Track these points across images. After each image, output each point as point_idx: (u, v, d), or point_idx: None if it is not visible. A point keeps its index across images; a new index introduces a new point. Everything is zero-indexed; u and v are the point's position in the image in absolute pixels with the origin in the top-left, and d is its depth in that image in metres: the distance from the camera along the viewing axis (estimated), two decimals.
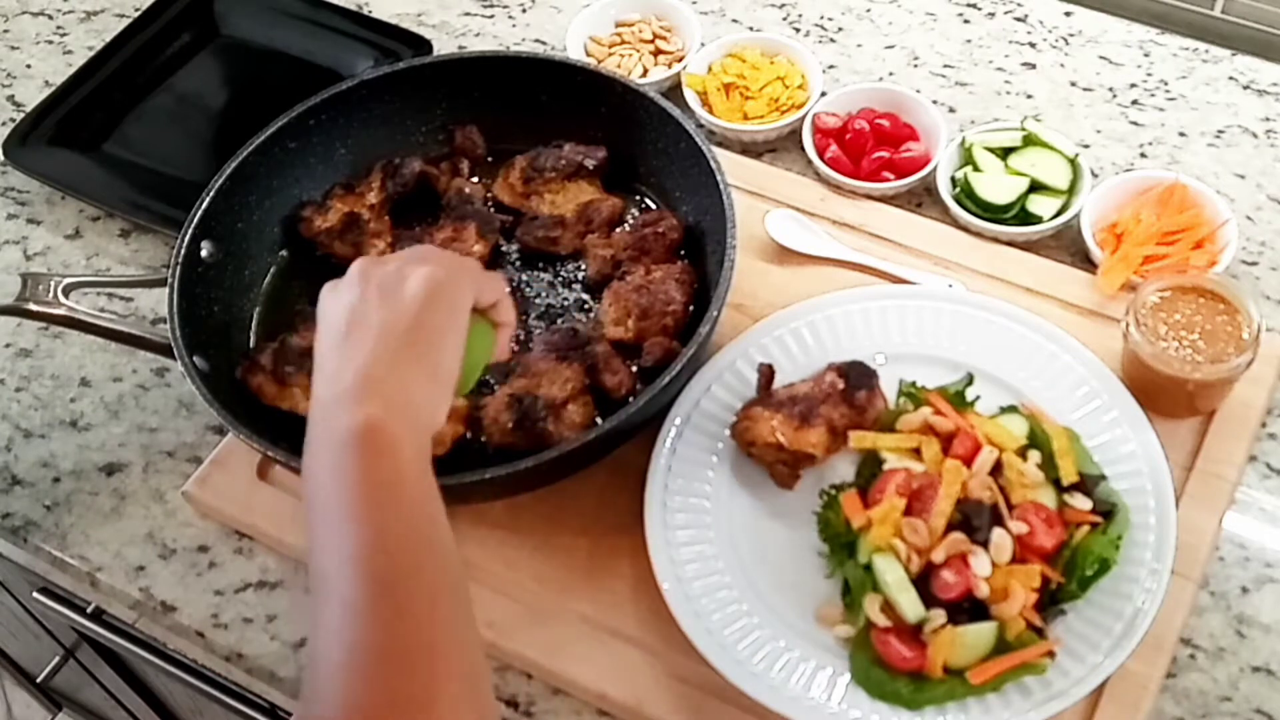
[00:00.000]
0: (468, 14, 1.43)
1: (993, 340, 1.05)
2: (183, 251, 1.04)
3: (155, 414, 1.15)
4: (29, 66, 1.44)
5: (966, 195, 1.17)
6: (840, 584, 0.95)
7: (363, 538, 0.69)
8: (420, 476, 0.73)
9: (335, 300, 0.80)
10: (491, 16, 1.43)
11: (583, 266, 1.11)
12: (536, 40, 1.40)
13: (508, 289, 0.86)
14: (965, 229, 1.17)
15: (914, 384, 1.02)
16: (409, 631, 0.66)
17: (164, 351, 1.02)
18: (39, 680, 1.75)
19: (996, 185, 1.16)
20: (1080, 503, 0.94)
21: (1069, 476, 0.94)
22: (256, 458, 1.06)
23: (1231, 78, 1.29)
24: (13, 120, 1.36)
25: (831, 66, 1.33)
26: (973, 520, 0.92)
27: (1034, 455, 0.96)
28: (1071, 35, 1.34)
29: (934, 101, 1.26)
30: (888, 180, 1.19)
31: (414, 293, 0.77)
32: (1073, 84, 1.30)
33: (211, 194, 1.07)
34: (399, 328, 0.76)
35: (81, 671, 1.65)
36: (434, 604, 0.68)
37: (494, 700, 0.69)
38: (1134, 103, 1.28)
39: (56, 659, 1.66)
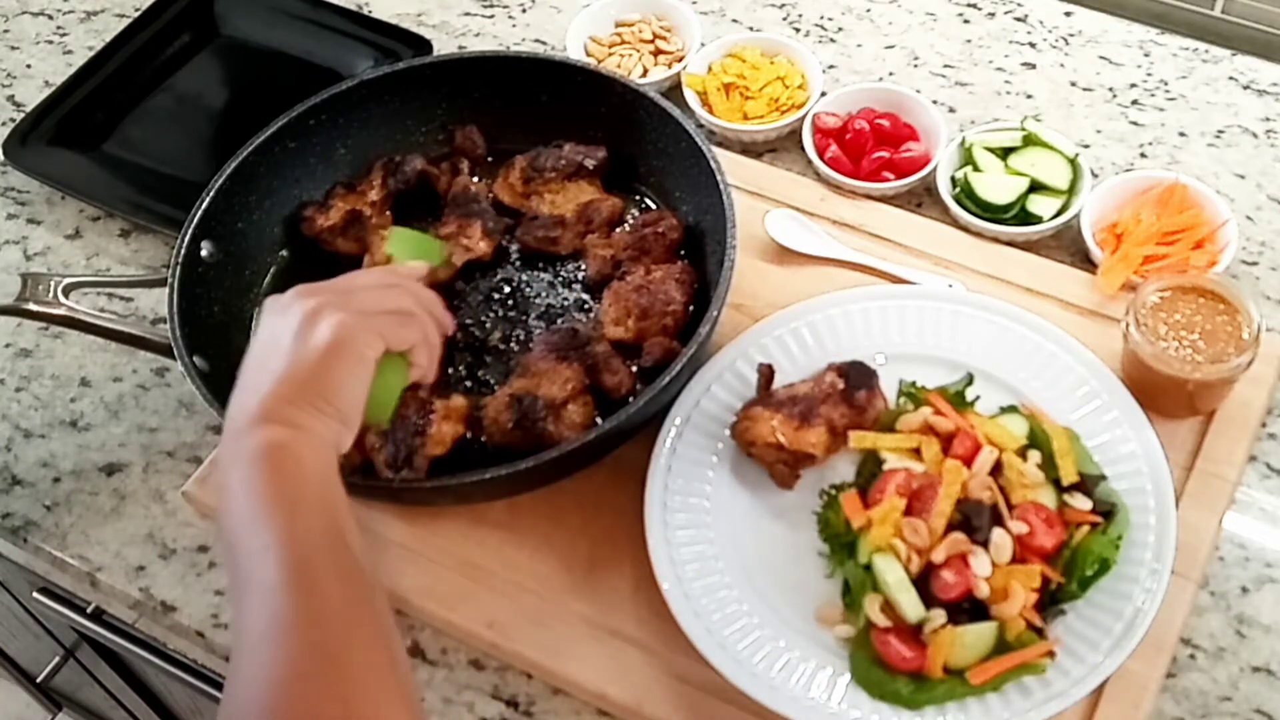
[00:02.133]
0: (468, 14, 1.43)
1: (993, 340, 1.05)
2: (183, 251, 1.04)
3: (155, 414, 1.15)
4: (29, 66, 1.44)
5: (966, 195, 1.17)
6: (840, 584, 0.95)
7: (275, 532, 0.74)
8: (325, 484, 0.78)
9: (268, 318, 0.86)
10: (491, 16, 1.43)
11: (583, 266, 1.11)
12: (536, 40, 1.40)
13: (432, 337, 0.91)
14: (965, 229, 1.17)
15: (914, 384, 1.02)
16: (322, 604, 0.72)
17: (164, 351, 1.02)
18: (39, 680, 1.75)
19: (996, 185, 1.16)
20: (1080, 503, 0.94)
21: (1069, 476, 0.94)
22: None
23: (1231, 78, 1.29)
24: (13, 120, 1.36)
25: (831, 66, 1.33)
26: (973, 520, 0.92)
27: (1034, 455, 0.96)
28: (1071, 35, 1.34)
29: (934, 101, 1.26)
30: (888, 180, 1.19)
31: (321, 341, 0.82)
32: (1073, 84, 1.30)
33: (211, 194, 1.07)
34: (302, 372, 0.81)
35: (81, 671, 1.65)
36: (343, 584, 0.73)
37: (407, 673, 0.74)
38: (1134, 103, 1.28)
39: (56, 659, 1.66)
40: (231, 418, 0.81)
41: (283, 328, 0.83)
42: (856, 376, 0.99)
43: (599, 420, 1.01)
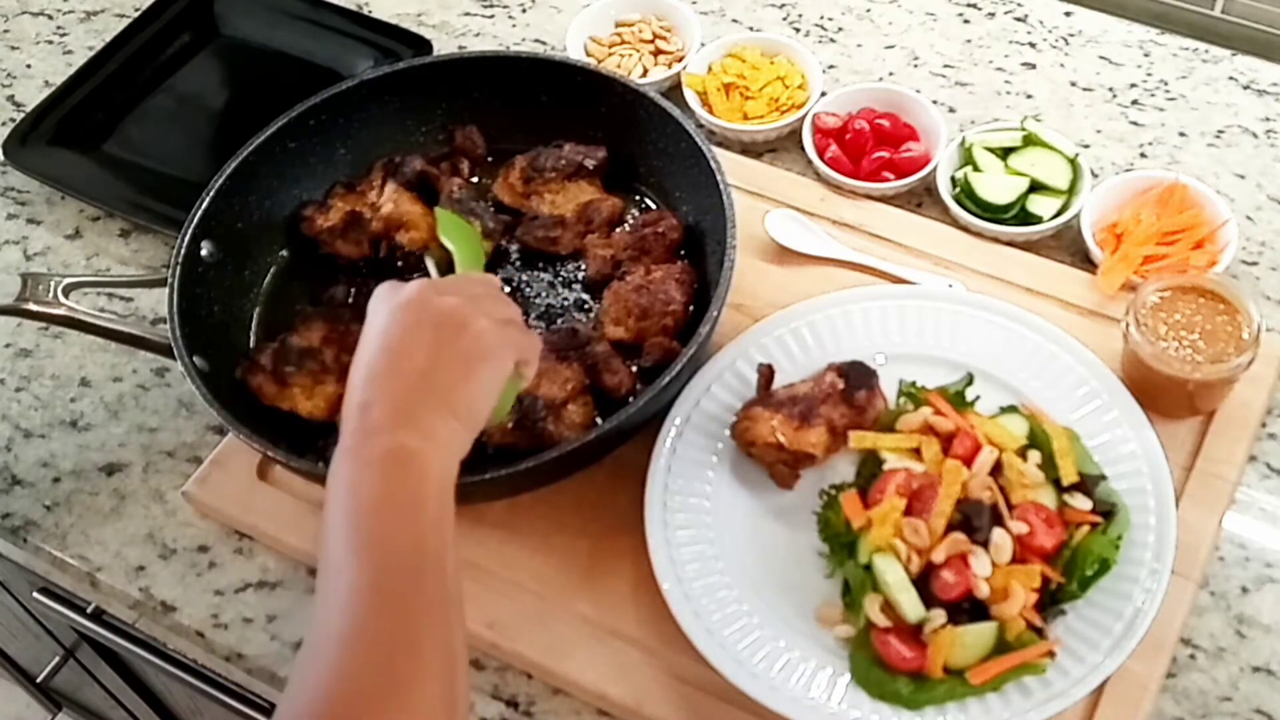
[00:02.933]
0: (468, 14, 1.43)
1: (993, 340, 1.05)
2: (183, 251, 1.04)
3: (155, 414, 1.15)
4: (29, 66, 1.44)
5: (966, 195, 1.17)
6: (840, 584, 0.95)
7: (379, 537, 0.72)
8: (441, 501, 0.76)
9: (389, 315, 0.82)
10: (491, 16, 1.43)
11: (583, 266, 1.11)
12: (536, 40, 1.40)
13: (538, 346, 0.89)
14: (965, 229, 1.17)
15: (914, 384, 1.02)
16: (404, 624, 0.70)
17: (164, 351, 1.01)
18: (39, 680, 1.75)
19: (996, 185, 1.16)
20: (1080, 503, 0.94)
21: (1069, 476, 0.94)
22: (256, 458, 1.06)
23: (1231, 78, 1.29)
24: (13, 120, 1.36)
25: (831, 66, 1.33)
26: (973, 520, 0.92)
27: (1034, 455, 0.96)
28: (1071, 35, 1.34)
29: (934, 101, 1.26)
30: (888, 180, 1.19)
31: (467, 356, 0.80)
32: (1073, 84, 1.30)
33: (211, 194, 1.07)
34: (443, 383, 0.79)
35: (81, 671, 1.65)
36: (430, 609, 0.71)
37: (466, 695, 0.72)
38: (1134, 103, 1.28)
39: (56, 659, 1.66)
40: (361, 407, 0.77)
41: (419, 323, 0.81)
42: (856, 376, 0.99)
43: (599, 420, 1.01)
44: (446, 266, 1.00)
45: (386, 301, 0.83)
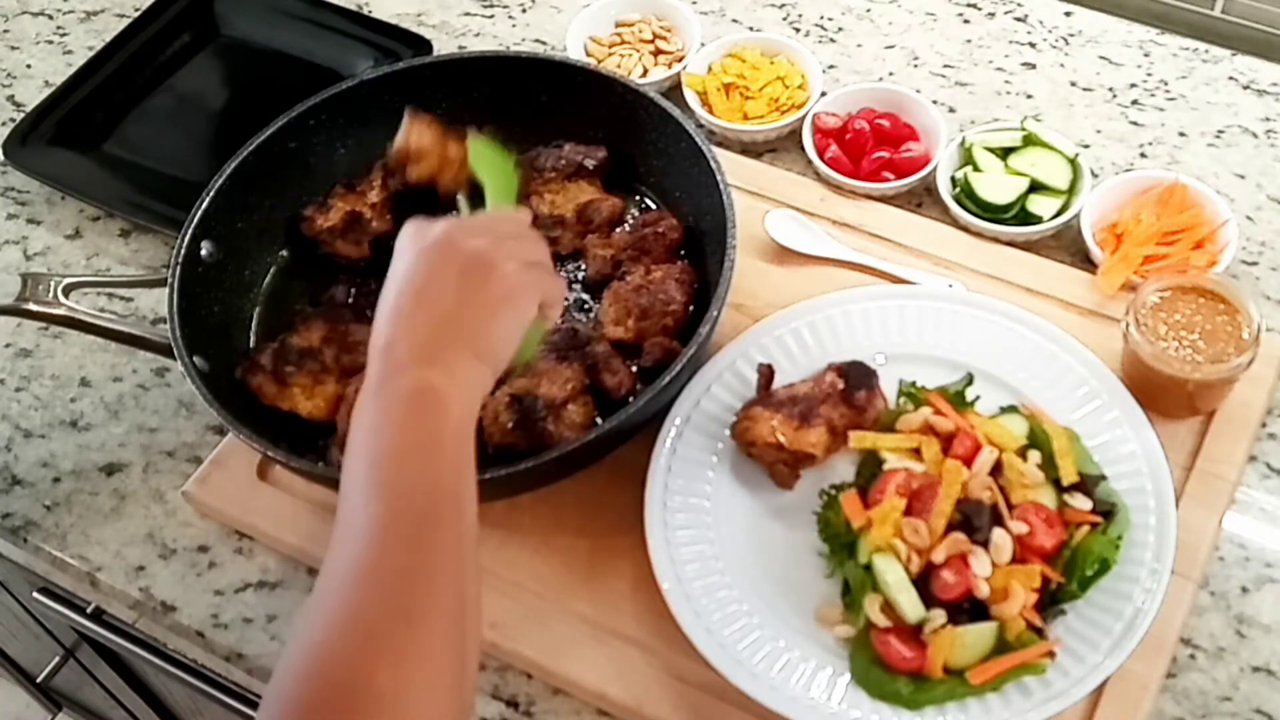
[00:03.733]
0: (468, 14, 1.43)
1: (993, 340, 1.05)
2: (183, 251, 1.04)
3: (155, 414, 1.15)
4: (29, 66, 1.44)
5: (966, 195, 1.17)
6: (840, 584, 0.95)
7: (399, 477, 0.73)
8: (461, 442, 0.77)
9: (416, 255, 0.82)
10: (491, 16, 1.43)
11: (582, 266, 1.11)
12: (536, 40, 1.40)
13: (562, 289, 0.89)
14: (965, 229, 1.17)
15: (914, 384, 1.02)
16: (419, 558, 0.71)
17: (164, 351, 1.01)
18: (39, 680, 1.75)
19: (996, 185, 1.16)
20: (1080, 503, 0.94)
21: (1069, 476, 0.94)
22: (256, 458, 1.06)
23: (1231, 78, 1.29)
24: (13, 120, 1.36)
25: (831, 66, 1.33)
26: (973, 520, 0.92)
27: (1034, 455, 0.96)
28: (1071, 35, 1.34)
29: (934, 101, 1.26)
30: (888, 180, 1.19)
31: (494, 291, 0.81)
32: (1073, 84, 1.30)
33: (211, 194, 1.07)
34: (468, 324, 0.80)
35: (81, 671, 1.65)
36: (442, 550, 0.72)
37: (477, 645, 0.73)
38: (1134, 103, 1.28)
39: (56, 659, 1.66)
40: (385, 347, 0.78)
41: (445, 265, 0.81)
42: (856, 376, 0.99)
43: (599, 420, 1.01)
44: (478, 201, 0.98)
45: (414, 241, 0.83)
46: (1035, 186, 1.17)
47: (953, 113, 1.28)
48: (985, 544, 0.91)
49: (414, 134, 1.07)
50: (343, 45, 1.38)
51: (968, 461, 0.95)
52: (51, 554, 1.08)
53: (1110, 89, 1.29)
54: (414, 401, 0.76)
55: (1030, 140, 1.19)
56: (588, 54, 1.34)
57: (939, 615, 0.89)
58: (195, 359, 0.99)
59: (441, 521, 0.73)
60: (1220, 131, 1.25)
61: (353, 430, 0.76)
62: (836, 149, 1.21)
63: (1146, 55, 1.32)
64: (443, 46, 1.39)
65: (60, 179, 1.30)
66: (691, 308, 1.05)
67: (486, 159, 0.99)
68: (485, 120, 1.17)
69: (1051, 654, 0.89)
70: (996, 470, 0.95)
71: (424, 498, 0.73)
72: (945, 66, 1.33)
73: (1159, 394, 1.00)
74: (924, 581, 0.91)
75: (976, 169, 1.18)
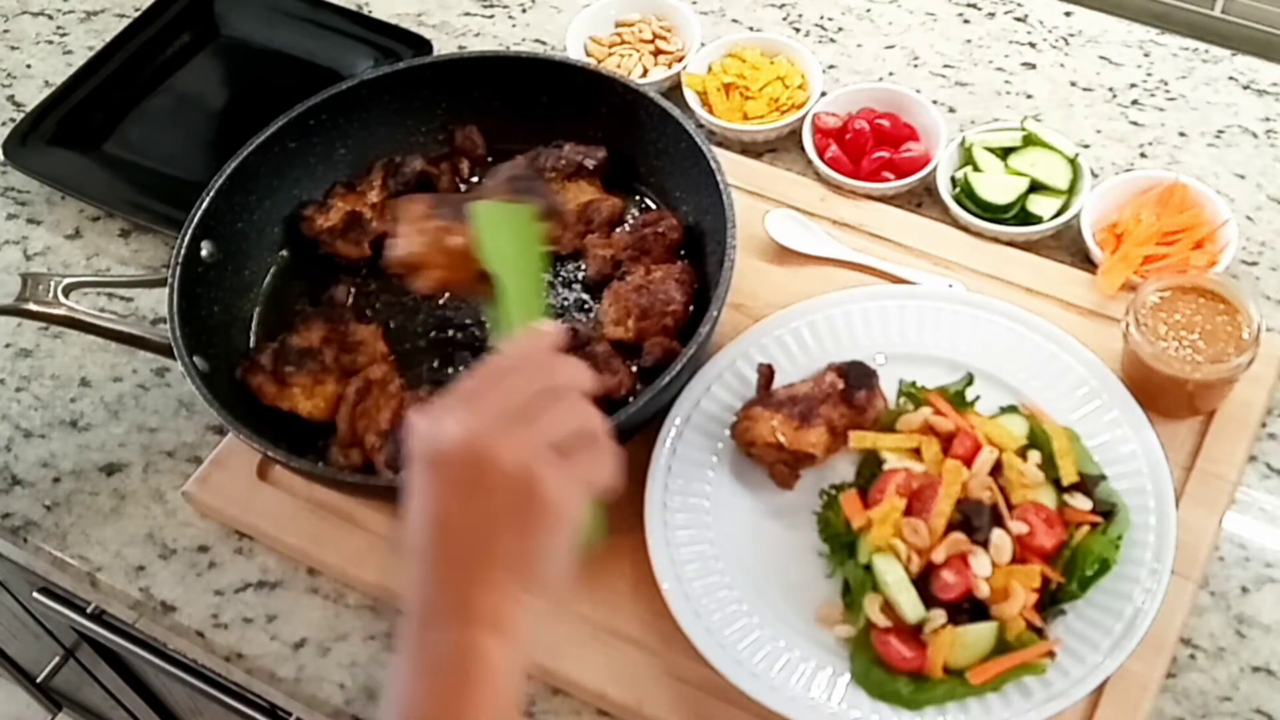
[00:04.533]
0: (467, 14, 1.43)
1: (993, 340, 1.05)
2: (183, 251, 1.04)
3: (155, 414, 1.15)
4: (29, 66, 1.44)
5: (966, 195, 1.17)
6: (840, 584, 0.95)
7: None
8: (507, 707, 0.68)
9: (429, 475, 0.70)
10: (491, 16, 1.43)
11: (582, 266, 1.11)
12: (536, 40, 1.40)
13: (611, 444, 0.75)
14: (965, 229, 1.17)
15: (914, 384, 1.02)
16: None
17: (164, 351, 1.01)
18: (39, 680, 1.75)
19: (996, 185, 1.16)
20: (1080, 503, 0.94)
21: (1069, 476, 0.94)
22: (256, 458, 1.06)
23: (1231, 78, 1.29)
24: (13, 120, 1.36)
25: (831, 66, 1.33)
26: (973, 520, 0.92)
27: (1034, 455, 0.96)
28: (1071, 35, 1.34)
29: (934, 101, 1.26)
30: (888, 180, 1.19)
31: (534, 521, 0.69)
32: (1073, 84, 1.30)
33: (211, 194, 1.07)
34: (510, 556, 0.69)
35: (81, 671, 1.65)
36: None
37: None
38: (1134, 103, 1.28)
39: (56, 659, 1.66)
40: (416, 585, 0.69)
41: (473, 490, 0.69)
42: (856, 376, 0.99)
43: None
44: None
45: (425, 449, 0.70)
46: (1035, 186, 1.17)
47: (953, 113, 1.28)
48: (985, 544, 0.91)
49: (403, 241, 0.89)
50: (343, 45, 1.37)
51: (968, 461, 0.95)
52: (51, 554, 1.08)
53: (1110, 89, 1.29)
54: (451, 667, 0.66)
55: (1030, 140, 1.19)
56: (588, 54, 1.34)
57: (939, 615, 0.89)
58: (195, 359, 0.99)
59: None
60: (1220, 131, 1.25)
61: (386, 685, 0.69)
62: (836, 149, 1.21)
63: (1146, 55, 1.32)
64: (443, 46, 1.39)
65: (60, 179, 1.29)
66: (691, 308, 1.05)
67: (496, 232, 0.82)
68: (485, 120, 1.18)
69: (1051, 654, 0.89)
70: (996, 470, 0.95)
71: None
72: (945, 66, 1.33)
73: (1159, 394, 1.00)
74: (924, 581, 0.91)
75: (976, 169, 1.18)
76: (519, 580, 0.69)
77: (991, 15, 1.37)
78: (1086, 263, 1.14)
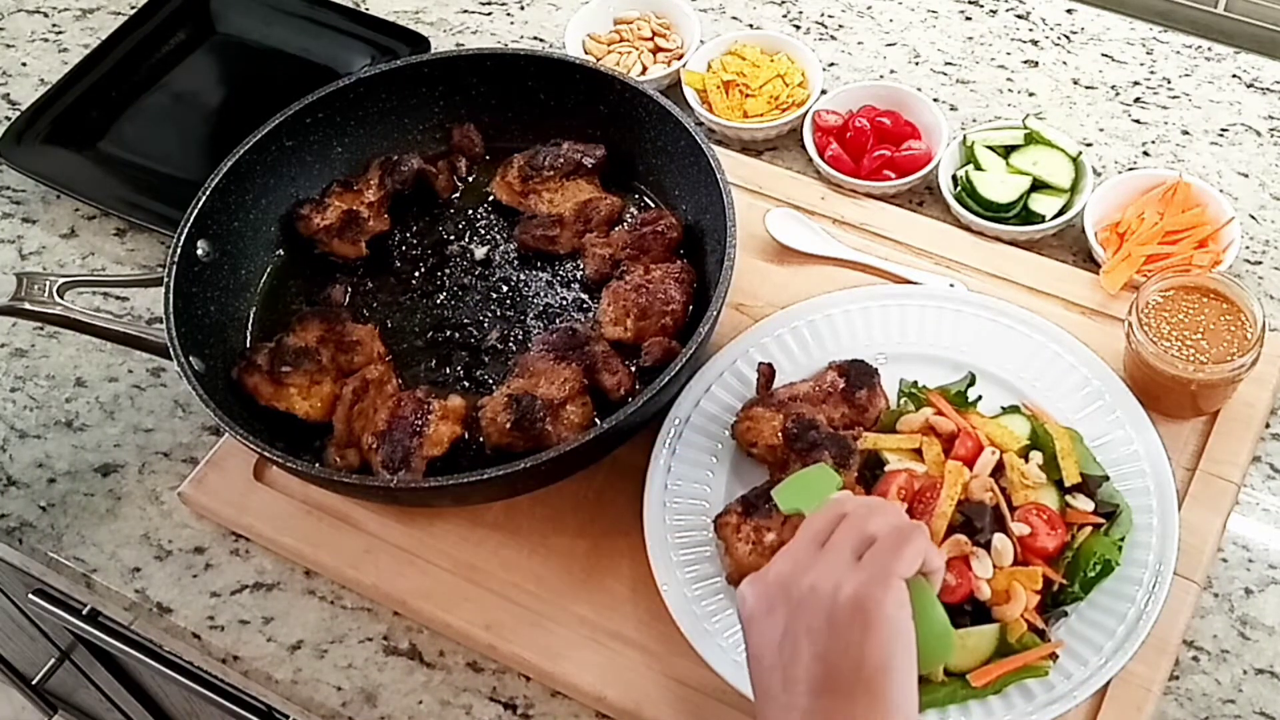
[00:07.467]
0: (465, 11, 1.43)
1: (994, 340, 1.04)
2: (178, 251, 1.04)
3: (151, 414, 1.14)
4: (24, 64, 1.43)
5: (968, 194, 1.16)
6: None
7: None
8: None
9: (770, 622, 0.74)
10: (489, 14, 1.42)
11: (581, 266, 1.10)
12: (535, 38, 1.40)
13: (929, 544, 0.77)
14: (967, 228, 1.16)
15: (915, 384, 1.02)
16: None
17: (160, 351, 1.01)
18: (34, 682, 1.74)
19: (998, 184, 1.16)
20: (1082, 504, 0.93)
21: (1071, 477, 0.94)
22: (253, 458, 1.06)
23: (1235, 75, 1.28)
24: (8, 119, 1.36)
25: (832, 64, 1.33)
26: (974, 522, 0.91)
27: (1036, 456, 0.95)
28: (1074, 33, 1.34)
29: (935, 99, 1.26)
30: (889, 179, 1.19)
31: (850, 636, 0.72)
32: (1075, 82, 1.29)
33: (207, 193, 1.07)
34: (845, 680, 0.71)
35: (77, 673, 1.65)
36: None
37: None
38: (1137, 101, 1.27)
39: (52, 661, 1.65)
40: None
41: (790, 630, 0.73)
42: (857, 376, 0.99)
43: (598, 421, 1.00)
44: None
45: (760, 608, 0.75)
46: (1037, 185, 1.16)
47: (954, 111, 1.28)
48: (987, 546, 0.90)
49: (737, 554, 0.92)
50: (339, 43, 1.37)
51: (969, 462, 0.94)
52: (47, 555, 1.08)
53: (1113, 87, 1.29)
54: None
55: (1032, 138, 1.19)
56: (586, 51, 1.34)
57: None
58: (191, 359, 0.99)
59: None
60: (1224, 130, 1.24)
61: None
62: (837, 147, 1.21)
63: (1149, 53, 1.31)
64: (440, 44, 1.39)
65: (55, 178, 1.29)
66: (691, 307, 1.05)
67: (809, 503, 0.83)
68: (483, 118, 1.17)
69: (1054, 656, 0.89)
70: (998, 471, 0.94)
71: None
72: (947, 64, 1.32)
73: (1162, 394, 1.00)
74: None
75: (978, 167, 1.17)
76: (871, 699, 0.70)
77: (993, 12, 1.37)
78: (1089, 262, 1.13)
